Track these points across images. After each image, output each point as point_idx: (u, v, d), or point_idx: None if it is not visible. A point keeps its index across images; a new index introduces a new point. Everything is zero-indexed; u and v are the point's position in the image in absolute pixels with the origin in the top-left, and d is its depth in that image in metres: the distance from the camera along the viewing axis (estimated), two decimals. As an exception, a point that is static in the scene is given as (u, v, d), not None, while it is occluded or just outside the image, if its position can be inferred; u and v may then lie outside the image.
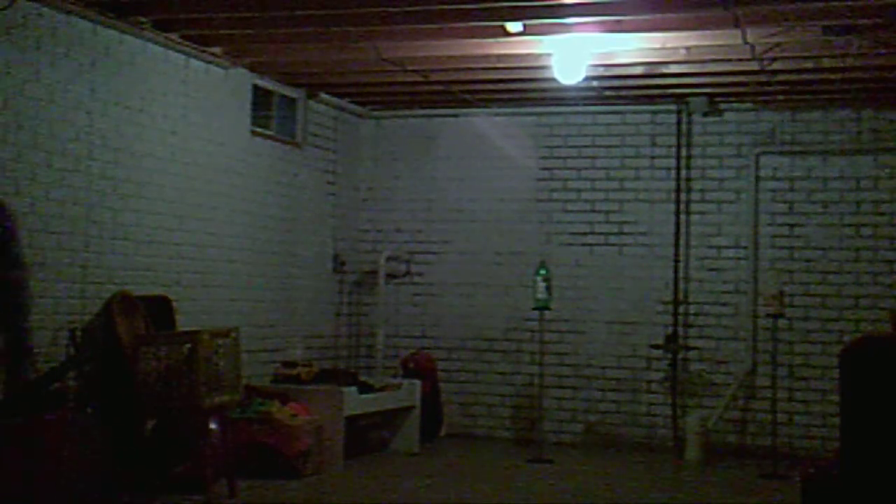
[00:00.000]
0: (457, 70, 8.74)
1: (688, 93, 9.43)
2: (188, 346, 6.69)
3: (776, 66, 8.08)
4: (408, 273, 10.41)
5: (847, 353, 4.49)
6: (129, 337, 6.95)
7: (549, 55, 7.89)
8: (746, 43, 7.37)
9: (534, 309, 9.13)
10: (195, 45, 7.96)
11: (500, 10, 6.94)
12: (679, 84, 9.09)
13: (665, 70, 8.47)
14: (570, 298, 9.84)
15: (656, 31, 7.40)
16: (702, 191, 9.74)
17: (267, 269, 9.02)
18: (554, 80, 8.22)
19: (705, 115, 9.68)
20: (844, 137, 9.41)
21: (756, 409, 9.42)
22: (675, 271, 9.70)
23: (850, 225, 9.34)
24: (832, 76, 8.48)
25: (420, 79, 8.91)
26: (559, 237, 10.03)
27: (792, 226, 9.50)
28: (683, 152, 9.76)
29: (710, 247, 9.69)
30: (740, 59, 7.94)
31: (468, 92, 9.53)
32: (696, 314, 9.67)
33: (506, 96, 9.80)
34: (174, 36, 7.71)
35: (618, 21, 7.12)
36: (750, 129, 9.64)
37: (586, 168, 10.02)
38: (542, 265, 9.06)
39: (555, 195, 10.10)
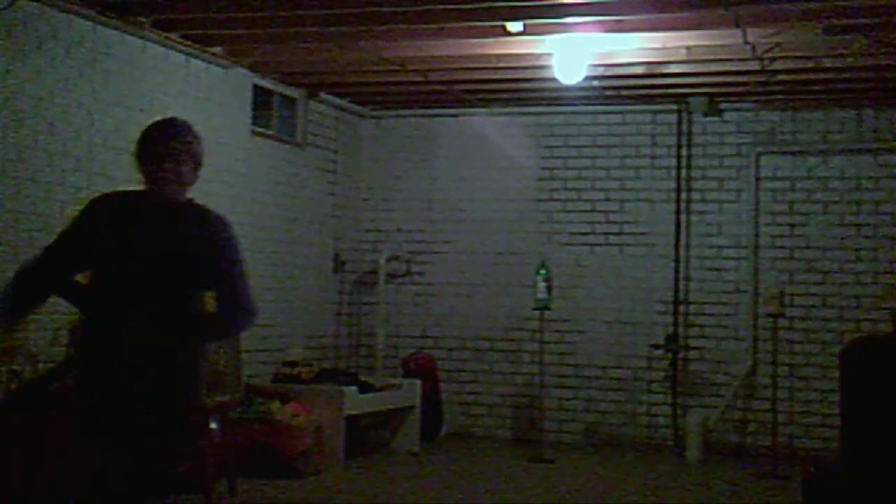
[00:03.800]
0: (457, 70, 8.74)
1: (688, 93, 9.42)
2: (188, 346, 6.68)
3: (776, 66, 8.08)
4: (408, 273, 10.41)
5: (847, 353, 4.50)
6: (130, 337, 6.94)
7: (549, 55, 7.89)
8: (746, 43, 7.37)
9: (534, 309, 9.13)
10: (195, 45, 7.96)
11: (500, 9, 6.94)
12: (679, 84, 9.09)
13: (665, 70, 8.47)
14: (571, 298, 9.83)
15: (656, 31, 7.40)
16: (702, 191, 9.74)
17: (267, 269, 9.02)
18: (554, 79, 8.22)
19: (705, 115, 9.67)
20: (844, 137, 9.41)
21: (756, 409, 9.42)
22: (676, 271, 9.70)
23: (850, 225, 9.34)
24: (832, 76, 8.48)
25: (420, 79, 8.91)
26: (559, 237, 10.03)
27: (792, 226, 9.50)
28: (684, 152, 9.76)
29: (711, 247, 9.69)
30: (740, 59, 7.94)
31: (468, 92, 9.53)
32: (696, 314, 9.67)
33: (506, 96, 9.79)
34: (174, 36, 7.71)
35: (618, 21, 7.12)
36: (750, 129, 9.64)
37: (586, 168, 10.02)
38: (542, 265, 9.07)
39: (555, 195, 10.09)
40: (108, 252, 3.68)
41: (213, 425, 6.92)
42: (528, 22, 7.21)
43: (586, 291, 9.93)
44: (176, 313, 3.67)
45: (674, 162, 9.76)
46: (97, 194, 3.90)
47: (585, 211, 10.00)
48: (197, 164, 3.84)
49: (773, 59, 7.87)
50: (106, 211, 3.77)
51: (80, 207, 3.87)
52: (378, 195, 10.58)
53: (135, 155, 3.74)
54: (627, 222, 9.90)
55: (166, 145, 3.70)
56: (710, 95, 9.50)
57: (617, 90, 9.37)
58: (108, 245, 3.68)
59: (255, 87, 8.91)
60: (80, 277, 3.87)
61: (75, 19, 6.96)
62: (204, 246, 3.77)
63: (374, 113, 10.53)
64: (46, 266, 3.81)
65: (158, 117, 3.82)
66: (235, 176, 8.66)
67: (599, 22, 7.14)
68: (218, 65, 8.35)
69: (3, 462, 5.77)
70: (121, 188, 7.85)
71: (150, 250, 3.65)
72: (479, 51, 7.98)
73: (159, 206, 3.74)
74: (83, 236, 3.75)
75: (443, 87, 9.31)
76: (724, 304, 9.62)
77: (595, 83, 8.86)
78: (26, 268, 3.86)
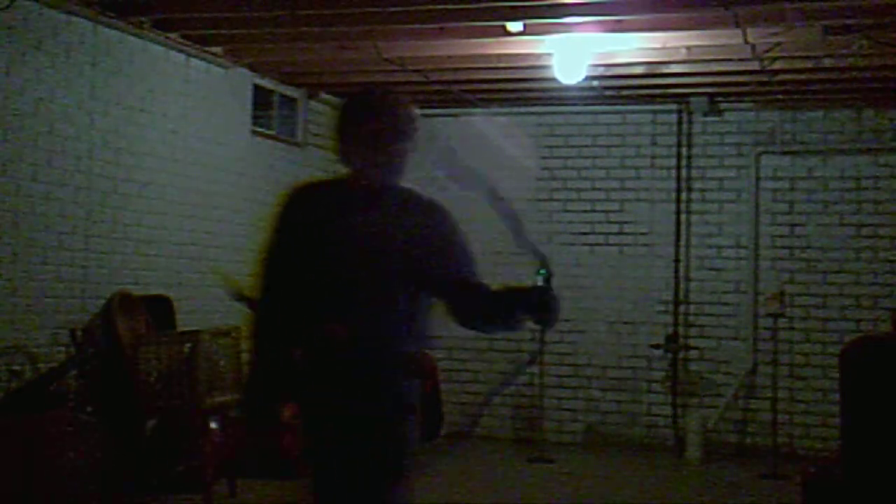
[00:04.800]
0: (457, 70, 8.73)
1: (688, 93, 9.42)
2: (188, 346, 6.69)
3: (776, 66, 8.08)
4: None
5: (847, 353, 4.49)
6: (129, 337, 6.95)
7: (549, 55, 7.89)
8: (747, 43, 7.37)
9: (534, 309, 9.11)
10: (195, 45, 7.96)
11: (501, 9, 6.94)
12: (679, 84, 9.09)
13: (665, 70, 8.47)
14: (571, 298, 9.82)
15: (656, 31, 7.39)
16: (702, 191, 9.74)
17: (267, 268, 9.01)
18: (554, 79, 8.22)
19: (706, 114, 9.68)
20: (844, 137, 9.41)
21: (756, 409, 9.42)
22: (676, 271, 9.70)
23: (850, 225, 9.34)
24: (832, 76, 8.48)
25: (420, 79, 8.91)
26: (559, 237, 10.03)
27: (792, 226, 9.50)
28: (684, 152, 9.76)
29: (711, 247, 9.69)
30: (740, 59, 7.94)
31: (468, 92, 9.53)
32: (696, 314, 9.67)
33: (506, 96, 9.79)
34: (174, 36, 7.71)
35: (618, 21, 7.12)
36: (750, 129, 9.64)
37: (586, 168, 10.02)
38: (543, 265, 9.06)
39: (555, 195, 10.09)
40: (314, 252, 3.21)
41: (213, 425, 6.92)
42: (528, 22, 7.21)
43: (586, 291, 9.92)
44: (399, 317, 3.26)
45: (674, 162, 9.76)
46: (294, 188, 3.34)
47: (585, 211, 10.00)
48: (406, 142, 3.38)
49: (773, 59, 7.87)
50: (306, 204, 3.30)
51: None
52: (378, 195, 10.56)
53: (332, 136, 3.33)
54: (627, 222, 9.90)
55: (364, 124, 3.29)
56: (710, 95, 9.50)
57: (617, 90, 9.37)
58: (314, 243, 3.21)
59: (255, 87, 8.91)
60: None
61: (75, 19, 6.96)
62: (425, 239, 3.30)
63: (374, 113, 10.50)
64: (285, 297, 3.27)
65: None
66: (236, 175, 8.66)
67: (599, 22, 7.14)
68: (218, 65, 8.34)
69: (3, 462, 5.77)
70: (121, 188, 7.87)
71: (361, 245, 3.20)
72: (479, 51, 7.97)
73: (367, 193, 3.27)
74: (292, 238, 3.25)
75: (443, 87, 9.30)
76: (724, 304, 9.62)
77: (595, 83, 8.86)
78: (266, 321, 3.37)
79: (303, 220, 3.27)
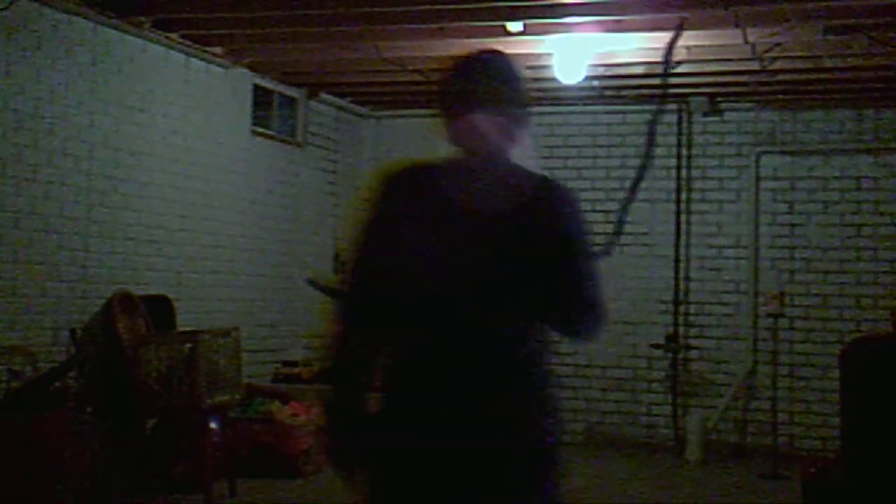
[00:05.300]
0: (457, 70, 8.72)
1: (688, 93, 9.42)
2: (188, 346, 6.70)
3: (776, 66, 8.08)
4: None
5: (847, 353, 4.49)
6: (129, 337, 6.95)
7: (549, 55, 7.89)
8: (747, 43, 7.37)
9: (534, 309, 9.12)
10: (195, 45, 7.96)
11: (501, 9, 6.94)
12: (679, 84, 9.08)
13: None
14: (571, 298, 9.81)
15: (656, 31, 7.39)
16: (702, 190, 9.74)
17: (267, 268, 9.02)
18: (554, 79, 8.22)
19: (705, 114, 9.68)
20: (844, 137, 9.41)
21: (756, 409, 9.41)
22: (676, 271, 9.70)
23: (850, 225, 9.34)
24: (832, 76, 8.48)
25: (420, 78, 8.90)
26: (559, 237, 10.00)
27: (792, 225, 9.50)
28: (684, 152, 9.76)
29: (711, 247, 9.68)
30: (740, 59, 7.94)
31: (468, 92, 9.51)
32: (696, 314, 9.67)
33: (506, 96, 9.77)
34: (174, 35, 7.71)
35: (618, 21, 7.12)
36: (750, 129, 9.64)
37: (586, 168, 10.02)
38: (543, 265, 9.06)
39: (555, 195, 10.08)
40: (422, 250, 2.73)
41: (213, 425, 6.92)
42: (528, 22, 7.21)
43: (586, 291, 9.90)
44: (528, 327, 2.88)
45: (674, 162, 9.76)
46: (387, 168, 2.84)
47: (586, 211, 9.91)
48: (518, 113, 2.87)
49: (774, 59, 7.87)
50: (409, 191, 2.78)
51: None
52: (378, 195, 10.54)
53: (438, 105, 2.83)
54: (627, 222, 9.88)
55: (474, 89, 2.80)
56: (711, 95, 9.50)
57: (617, 90, 9.36)
58: (423, 239, 2.73)
59: (255, 87, 8.91)
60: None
61: (75, 19, 6.96)
62: (544, 227, 2.85)
63: (374, 113, 10.52)
64: (375, 293, 2.77)
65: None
66: (236, 175, 8.66)
67: (599, 22, 7.14)
68: (218, 65, 8.35)
69: (3, 462, 5.77)
70: (121, 188, 7.85)
71: (485, 242, 2.74)
72: (479, 51, 7.96)
73: (481, 175, 2.82)
74: (393, 227, 2.75)
75: (443, 87, 9.28)
76: (724, 304, 9.62)
77: (595, 83, 8.86)
78: (349, 324, 2.82)
79: (404, 208, 2.76)
